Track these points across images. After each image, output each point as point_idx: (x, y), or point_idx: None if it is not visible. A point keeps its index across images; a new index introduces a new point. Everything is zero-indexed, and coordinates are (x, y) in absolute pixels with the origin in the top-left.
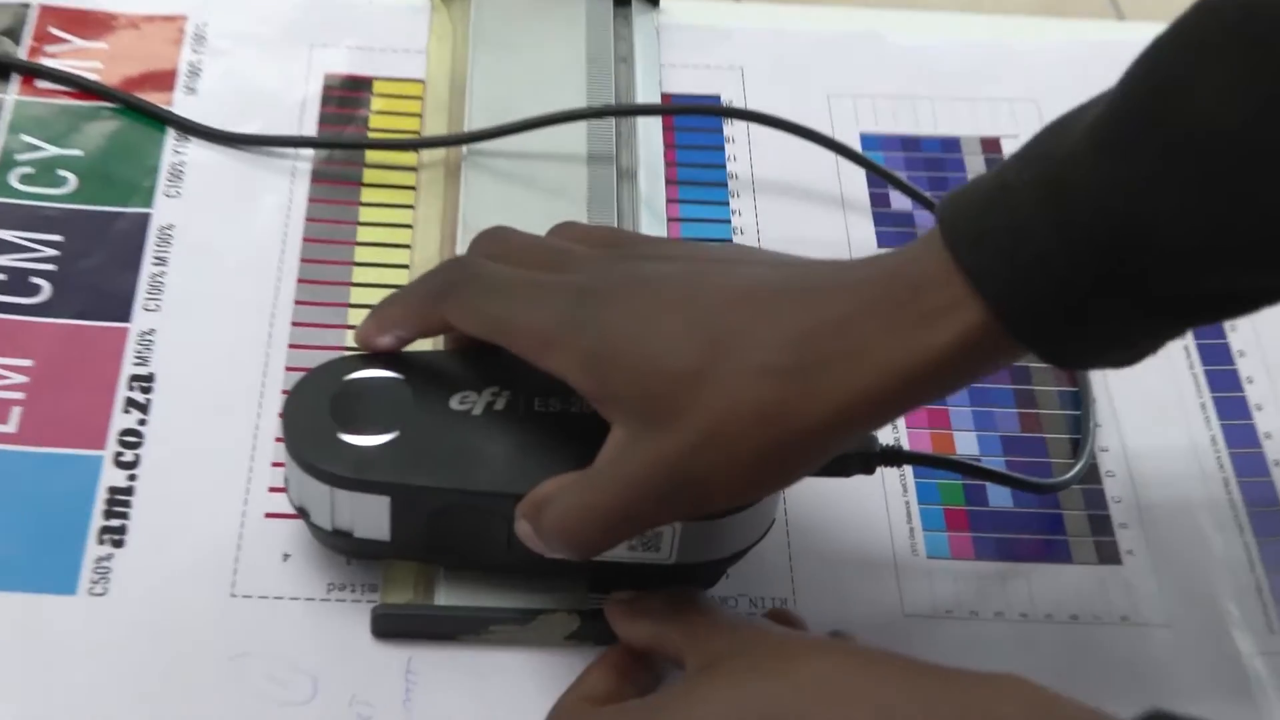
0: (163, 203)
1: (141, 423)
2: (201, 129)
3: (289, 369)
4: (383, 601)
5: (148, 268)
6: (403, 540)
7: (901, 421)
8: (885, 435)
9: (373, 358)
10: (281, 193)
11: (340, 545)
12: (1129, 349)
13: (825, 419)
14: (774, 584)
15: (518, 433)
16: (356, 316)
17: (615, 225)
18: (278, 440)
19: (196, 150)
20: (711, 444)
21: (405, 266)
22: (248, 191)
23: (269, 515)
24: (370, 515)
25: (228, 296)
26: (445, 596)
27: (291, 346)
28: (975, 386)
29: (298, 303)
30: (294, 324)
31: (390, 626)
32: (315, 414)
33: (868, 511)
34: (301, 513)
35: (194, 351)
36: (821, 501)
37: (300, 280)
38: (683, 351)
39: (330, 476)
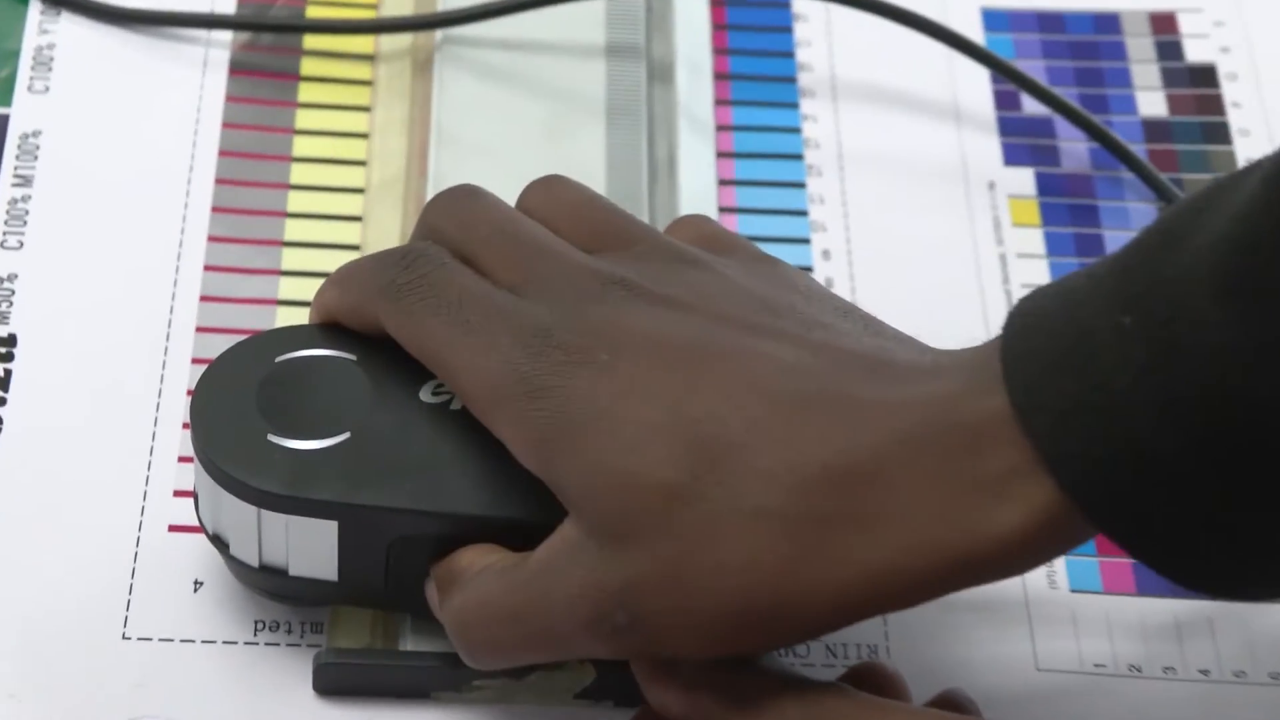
0: (25, 101)
1: None
2: (78, 1)
3: (201, 329)
4: (330, 646)
5: (4, 190)
6: (355, 581)
7: None
8: None
9: (317, 330)
10: (189, 89)
11: (271, 587)
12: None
13: (834, 595)
14: (859, 627)
15: None
16: (293, 259)
17: (642, 146)
18: (186, 427)
19: (71, 28)
20: (674, 588)
21: (359, 191)
22: (142, 87)
23: (174, 528)
24: (311, 547)
25: (115, 231)
26: (414, 640)
27: (204, 299)
28: None
29: (212, 239)
30: (207, 268)
31: (340, 680)
32: (236, 408)
33: None
34: (217, 543)
35: (69, 305)
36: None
37: (215, 209)
38: (663, 458)
39: (257, 494)
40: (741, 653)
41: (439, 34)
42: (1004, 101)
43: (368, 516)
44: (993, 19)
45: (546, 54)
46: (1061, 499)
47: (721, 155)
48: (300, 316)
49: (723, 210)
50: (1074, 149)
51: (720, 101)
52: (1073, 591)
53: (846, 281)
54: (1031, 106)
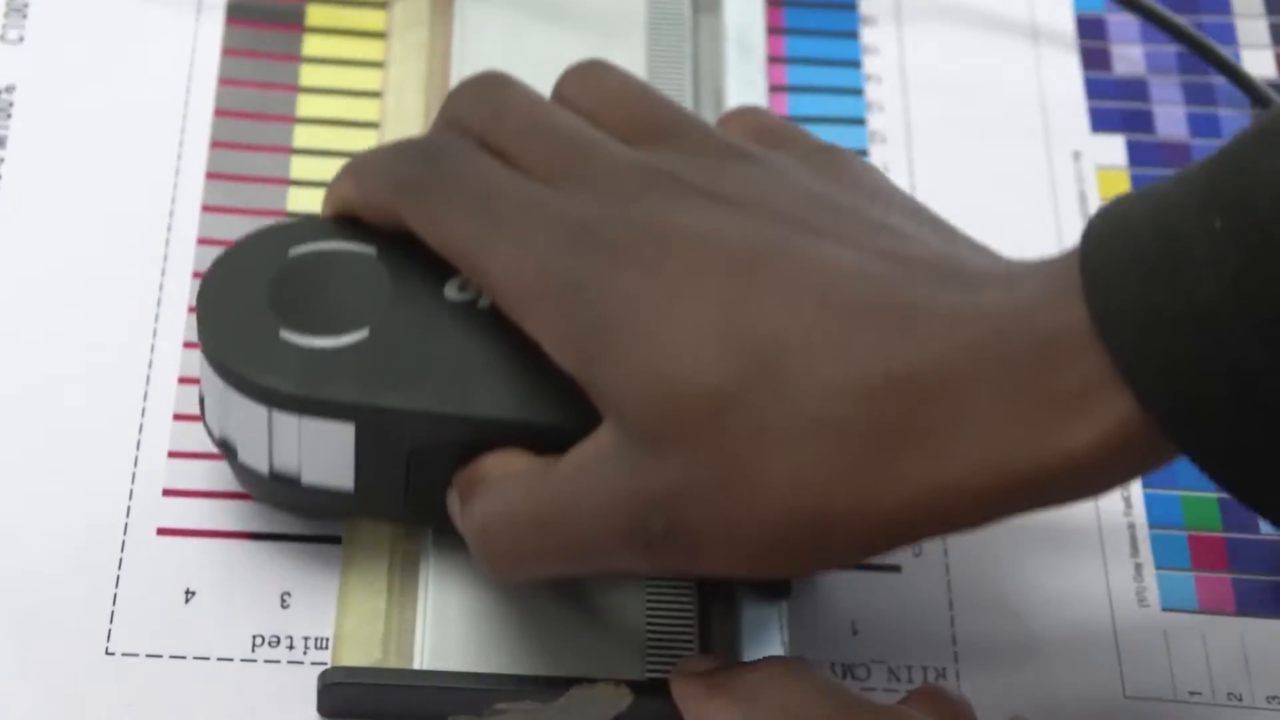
0: None
1: None
2: None
3: (194, 310)
4: (337, 664)
5: None
6: (372, 491)
7: None
8: None
9: (333, 222)
10: (180, 39)
11: (282, 497)
12: None
13: (889, 513)
14: (925, 647)
15: None
16: None
17: (686, 83)
18: (178, 419)
19: None
20: (717, 498)
21: None
22: (128, 36)
23: (164, 531)
24: (326, 452)
25: (97, 200)
26: (430, 657)
27: (198, 277)
28: None
29: (206, 209)
30: (200, 242)
31: (348, 702)
32: (247, 303)
33: (1069, 538)
34: (224, 448)
35: (41, 286)
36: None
37: (210, 175)
38: (712, 362)
39: (268, 393)
40: (783, 572)
41: None
42: (1091, 60)
43: (387, 419)
44: None
45: None
46: (1141, 416)
47: (774, 89)
48: None
49: None
50: (1170, 113)
51: (773, 30)
52: (1164, 611)
53: None
54: (1122, 68)
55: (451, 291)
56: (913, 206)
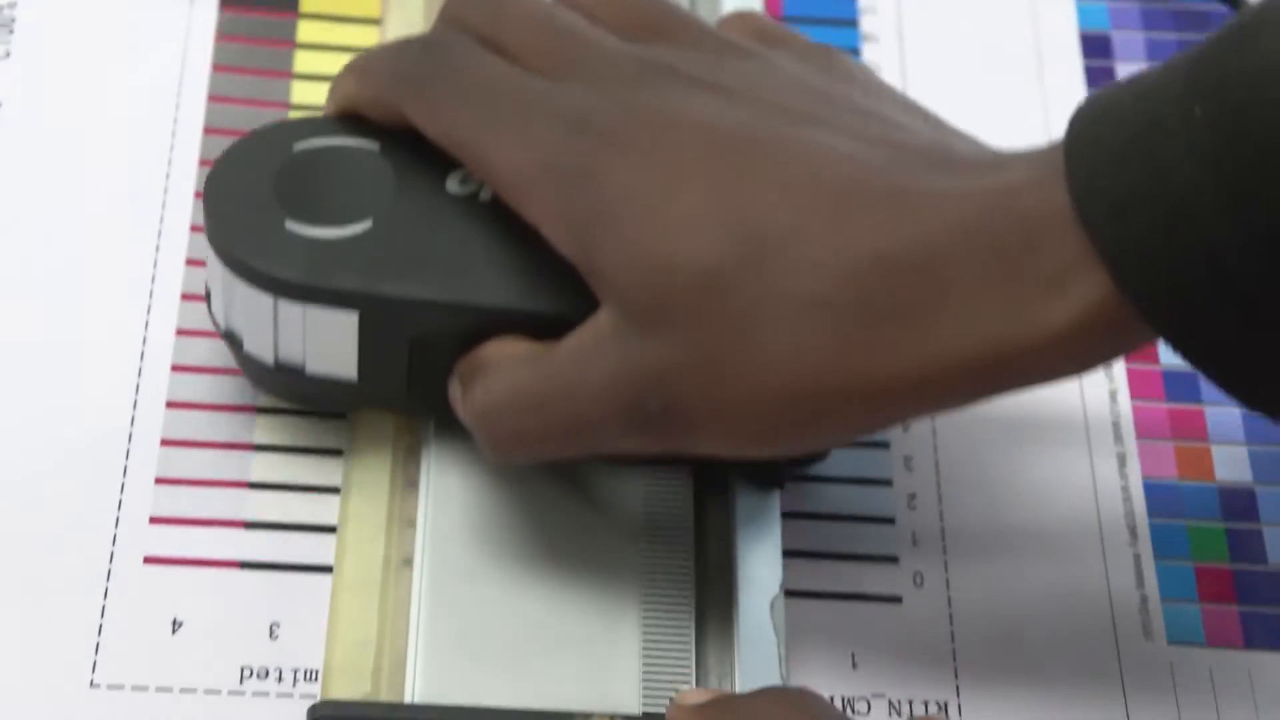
0: None
1: None
2: None
3: (181, 332)
4: (326, 698)
5: None
6: (375, 380)
7: (1125, 408)
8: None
9: (337, 119)
10: (175, 26)
11: (286, 387)
12: None
13: (878, 388)
14: (927, 680)
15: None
16: None
17: None
18: (165, 444)
19: None
20: (712, 375)
21: None
22: (119, 22)
23: (151, 560)
24: (330, 341)
25: (87, 202)
26: (422, 690)
27: (185, 299)
28: None
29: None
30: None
31: None
32: (252, 196)
33: (1072, 566)
34: (230, 341)
35: (34, 303)
36: (1002, 546)
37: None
38: (707, 243)
39: (274, 282)
40: (777, 449)
41: None
42: (1096, 80)
43: (390, 308)
44: None
45: None
46: (1116, 294)
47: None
48: None
49: None
50: None
51: None
52: (1171, 644)
53: None
54: (1125, 68)
55: (453, 185)
56: (903, 100)
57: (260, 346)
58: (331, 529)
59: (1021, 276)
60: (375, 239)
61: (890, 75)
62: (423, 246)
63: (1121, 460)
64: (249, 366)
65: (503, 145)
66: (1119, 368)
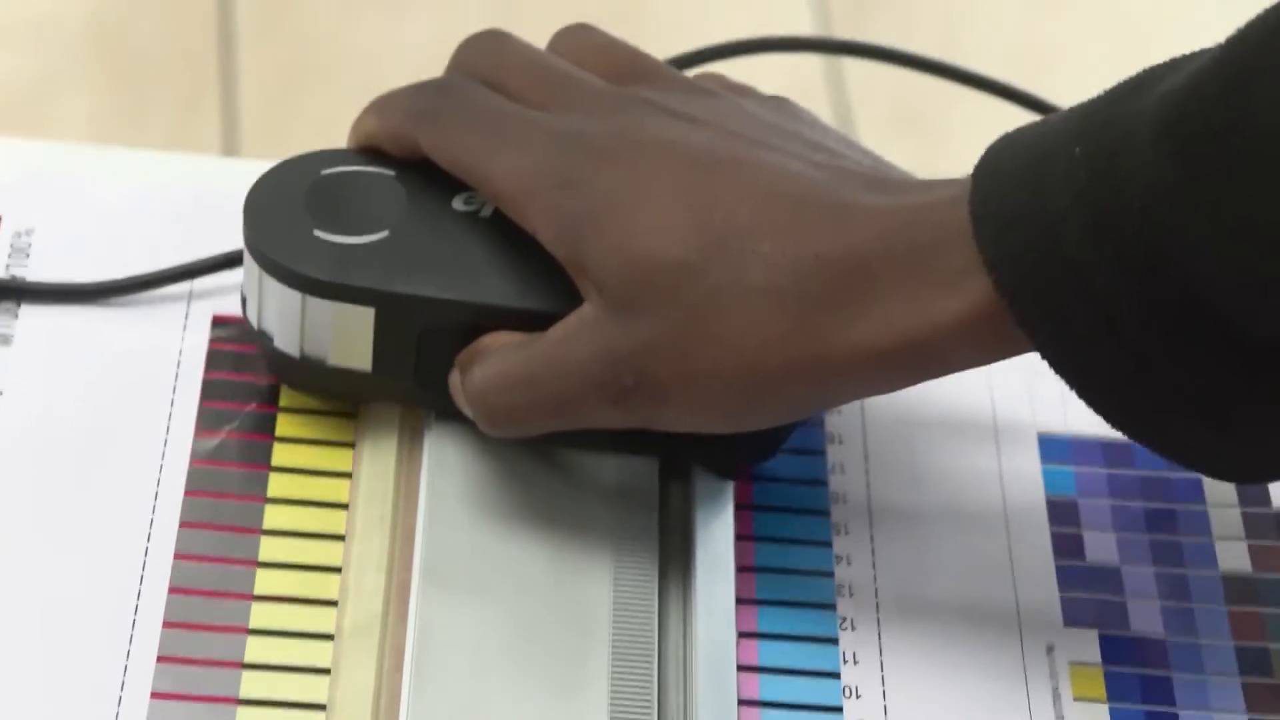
0: None
1: None
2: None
3: (156, 695)
4: None
5: None
6: (388, 371)
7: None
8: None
9: (358, 151)
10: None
11: (309, 380)
12: (1226, 428)
13: (820, 367)
14: None
15: (533, 240)
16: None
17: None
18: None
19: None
20: (678, 354)
21: (328, 637)
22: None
23: (158, 696)
24: (350, 334)
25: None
26: None
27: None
28: None
29: (157, 694)
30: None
31: None
32: (285, 208)
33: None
34: (261, 339)
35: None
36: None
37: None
38: (677, 240)
39: (303, 280)
40: (736, 423)
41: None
42: (1064, 547)
43: (402, 304)
44: (1051, 447)
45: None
46: (996, 299)
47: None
48: None
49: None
50: (1144, 607)
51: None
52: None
53: None
54: (1095, 555)
55: (458, 204)
56: (845, 138)
57: (288, 342)
58: None
59: (930, 278)
60: (391, 246)
61: (871, 688)
62: (431, 253)
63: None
64: (277, 360)
65: (503, 163)
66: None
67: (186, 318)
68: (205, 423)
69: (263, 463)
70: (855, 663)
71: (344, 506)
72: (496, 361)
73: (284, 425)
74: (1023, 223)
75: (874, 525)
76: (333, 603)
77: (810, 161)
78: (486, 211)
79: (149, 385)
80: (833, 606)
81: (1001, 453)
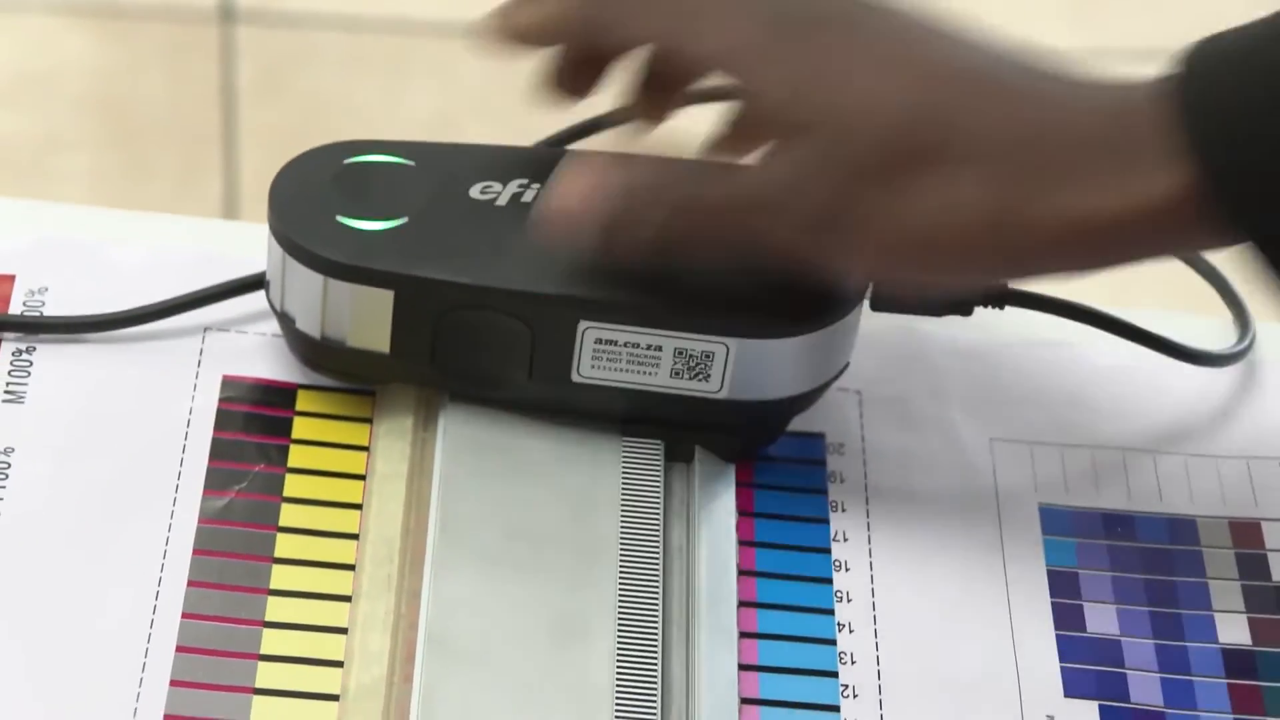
0: None
1: None
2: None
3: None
4: None
5: None
6: (405, 352)
7: None
8: None
9: (380, 141)
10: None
11: (329, 361)
12: None
13: (1008, 239)
14: None
15: None
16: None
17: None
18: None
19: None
20: (885, 207)
21: (334, 697)
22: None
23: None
24: (369, 316)
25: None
26: None
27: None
28: None
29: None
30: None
31: None
32: (309, 196)
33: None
34: (285, 320)
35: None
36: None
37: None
38: (895, 104)
39: (325, 263)
40: (923, 273)
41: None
42: (1064, 619)
43: (420, 287)
44: (1052, 519)
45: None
46: (1194, 186)
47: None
48: None
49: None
50: (1144, 679)
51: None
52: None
53: None
54: (1096, 626)
55: (475, 193)
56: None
57: (309, 323)
58: None
59: (1125, 162)
60: (410, 232)
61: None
62: (449, 239)
63: None
64: (298, 342)
65: (708, 31)
66: None
67: (197, 377)
68: (213, 482)
69: (270, 523)
70: None
71: (351, 568)
72: (739, 181)
73: (292, 486)
74: (1246, 112)
75: (875, 594)
76: (338, 663)
77: (991, 52)
78: (501, 201)
79: (159, 444)
80: (835, 674)
81: (1003, 523)
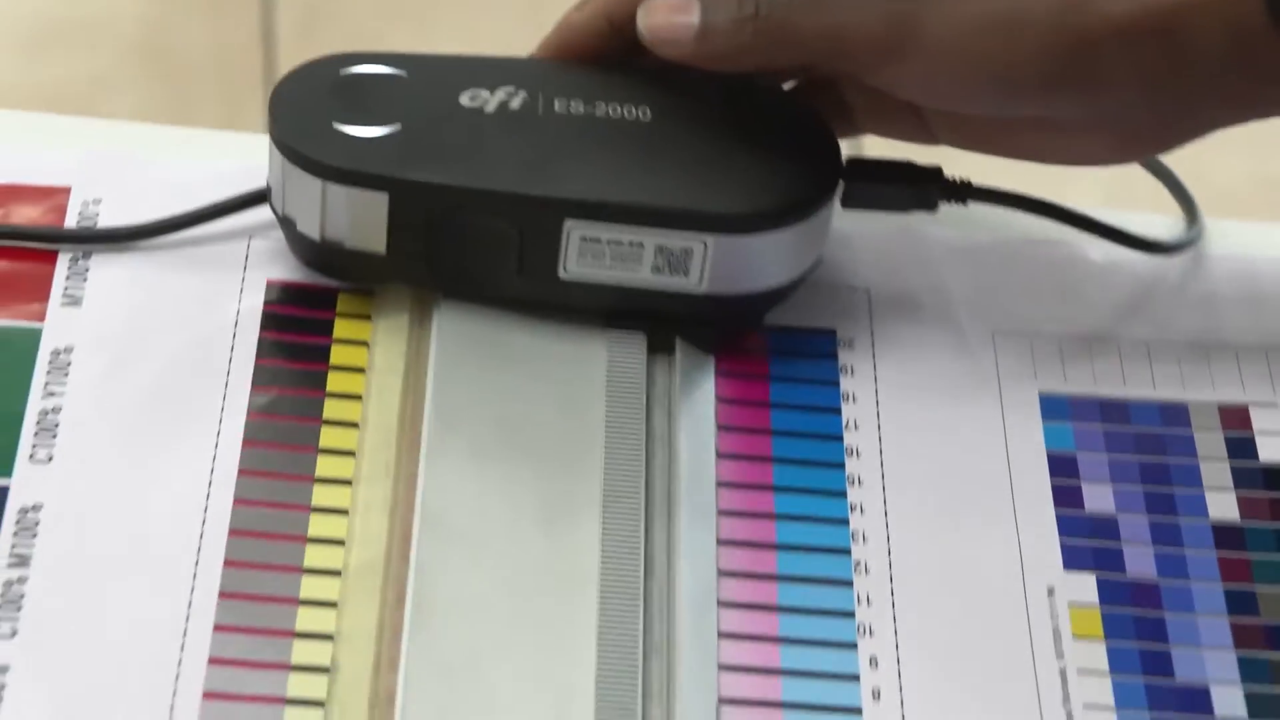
0: (25, 471)
1: None
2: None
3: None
4: None
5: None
6: (400, 253)
7: None
8: None
9: (376, 53)
10: (198, 468)
11: (330, 263)
12: None
13: (1075, 38)
14: None
15: (535, 133)
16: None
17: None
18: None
19: (77, 392)
20: (954, 13)
21: (335, 573)
22: (149, 462)
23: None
24: (366, 218)
25: (115, 621)
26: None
27: (207, 696)
28: None
29: (218, 629)
30: (212, 661)
31: None
32: (308, 105)
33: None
34: (287, 225)
35: (61, 706)
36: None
37: (224, 595)
38: None
39: (323, 168)
40: (986, 93)
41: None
42: (1063, 498)
43: (413, 190)
44: (1051, 405)
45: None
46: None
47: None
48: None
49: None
50: (1139, 552)
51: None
52: None
53: None
54: (1093, 505)
55: (465, 100)
56: None
57: (309, 225)
58: None
59: None
60: (403, 137)
61: (883, 620)
62: (440, 144)
63: None
64: (299, 245)
65: None
66: None
67: (243, 282)
68: (260, 379)
69: (315, 416)
70: (869, 604)
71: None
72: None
73: (335, 382)
74: None
75: (885, 478)
76: (340, 542)
77: None
78: (490, 108)
79: (210, 343)
80: (847, 551)
81: (1005, 409)
